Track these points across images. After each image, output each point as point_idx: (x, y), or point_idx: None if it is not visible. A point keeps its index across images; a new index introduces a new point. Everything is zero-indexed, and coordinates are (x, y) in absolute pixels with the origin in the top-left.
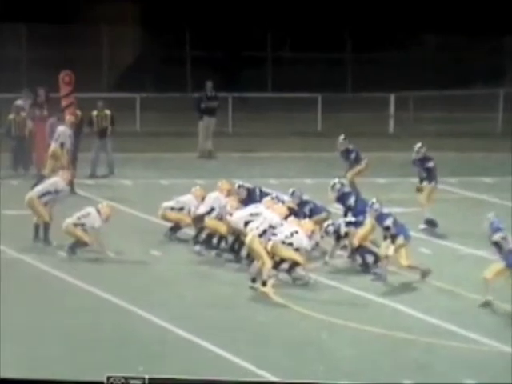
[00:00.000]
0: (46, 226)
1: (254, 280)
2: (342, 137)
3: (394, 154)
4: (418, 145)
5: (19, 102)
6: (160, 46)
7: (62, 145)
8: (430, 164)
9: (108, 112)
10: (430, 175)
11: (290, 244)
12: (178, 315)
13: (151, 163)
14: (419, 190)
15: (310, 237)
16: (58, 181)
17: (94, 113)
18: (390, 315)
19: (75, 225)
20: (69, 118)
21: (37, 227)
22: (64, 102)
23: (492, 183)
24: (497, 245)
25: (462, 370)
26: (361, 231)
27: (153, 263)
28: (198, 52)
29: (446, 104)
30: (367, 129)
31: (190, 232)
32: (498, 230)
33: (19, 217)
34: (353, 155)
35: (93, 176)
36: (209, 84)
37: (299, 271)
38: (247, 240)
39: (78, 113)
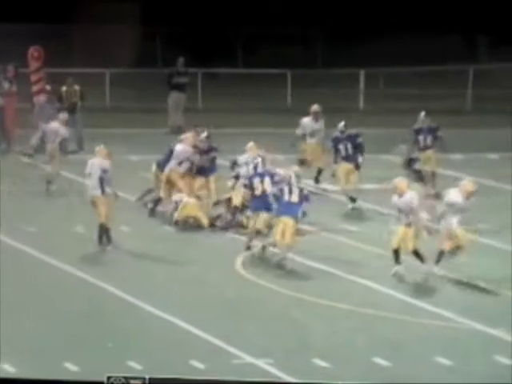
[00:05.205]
0: None
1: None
2: (342, 123)
3: (364, 131)
4: None
5: None
6: (130, 22)
7: None
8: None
9: (77, 87)
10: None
11: None
12: (147, 291)
13: (121, 139)
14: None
15: None
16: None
17: (64, 88)
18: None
19: None
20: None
21: None
22: (33, 78)
23: (462, 159)
24: None
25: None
26: None
27: (123, 238)
28: (169, 28)
29: (415, 81)
30: (337, 105)
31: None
32: None
33: None
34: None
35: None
36: (180, 60)
37: None
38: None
39: (48, 88)
